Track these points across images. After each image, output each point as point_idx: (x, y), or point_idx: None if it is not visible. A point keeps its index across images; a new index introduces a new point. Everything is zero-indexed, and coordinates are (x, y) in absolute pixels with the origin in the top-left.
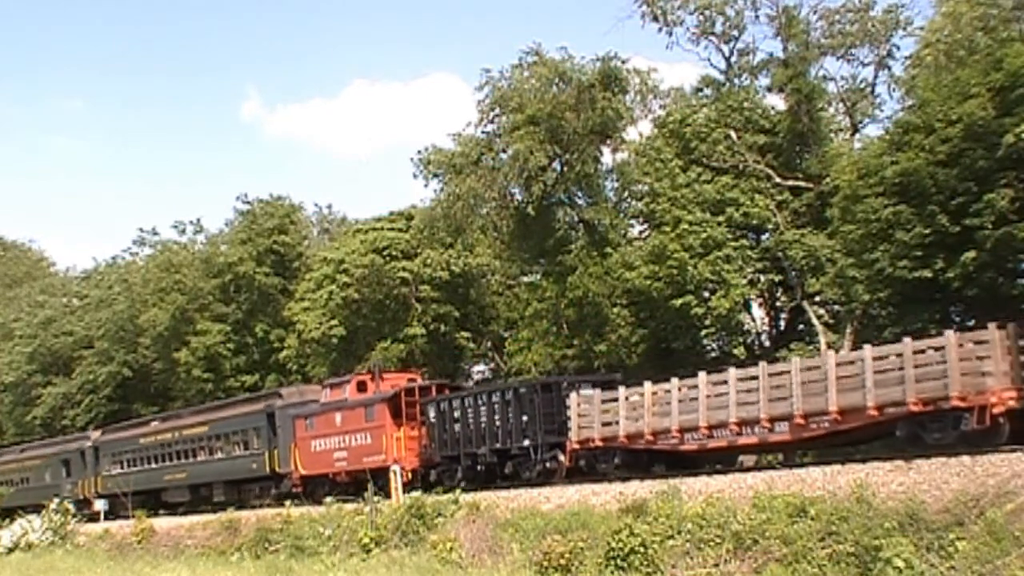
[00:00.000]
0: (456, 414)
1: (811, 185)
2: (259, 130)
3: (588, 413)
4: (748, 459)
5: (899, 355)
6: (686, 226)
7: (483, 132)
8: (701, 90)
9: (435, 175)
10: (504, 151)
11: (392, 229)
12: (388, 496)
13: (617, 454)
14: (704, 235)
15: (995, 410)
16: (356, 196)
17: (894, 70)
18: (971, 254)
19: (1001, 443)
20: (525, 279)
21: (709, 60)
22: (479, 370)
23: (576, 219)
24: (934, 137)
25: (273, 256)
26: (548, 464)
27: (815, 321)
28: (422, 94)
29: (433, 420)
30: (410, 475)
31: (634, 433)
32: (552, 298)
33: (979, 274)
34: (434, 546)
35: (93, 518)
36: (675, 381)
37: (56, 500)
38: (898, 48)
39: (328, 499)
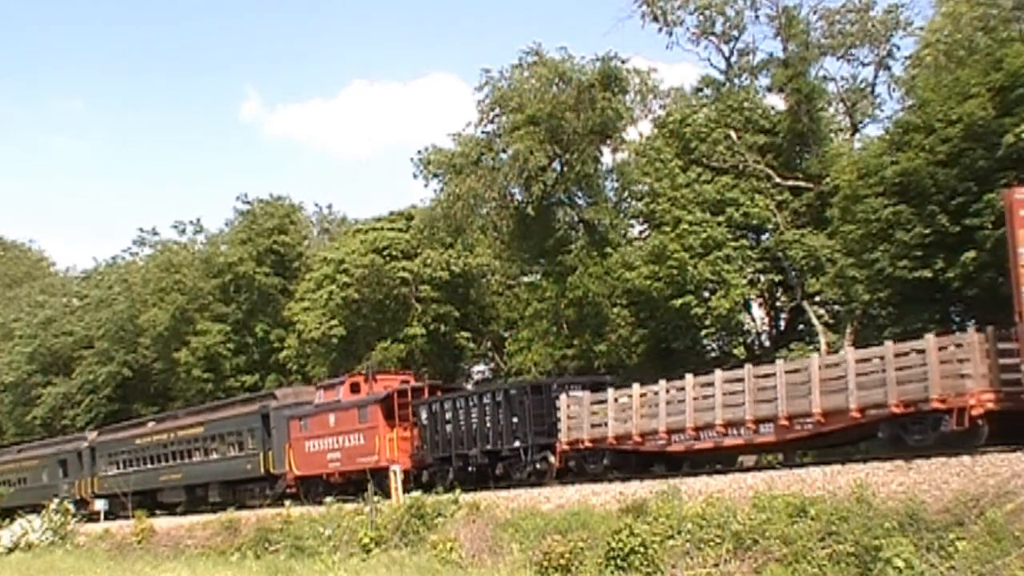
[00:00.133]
0: (448, 416)
1: (811, 185)
2: (259, 130)
3: (577, 415)
4: (748, 459)
5: (881, 358)
6: (686, 226)
7: (483, 132)
8: (701, 90)
9: (435, 175)
10: (504, 151)
11: (392, 229)
12: (388, 496)
13: (606, 455)
14: (704, 235)
15: (974, 412)
16: (356, 196)
17: (894, 70)
18: (971, 254)
19: (980, 444)
20: (525, 279)
21: (709, 60)
22: (479, 370)
23: (576, 219)
24: (934, 137)
25: (273, 256)
26: (538, 465)
27: (815, 321)
28: (422, 94)
29: (425, 421)
30: (402, 476)
31: (622, 434)
32: (552, 298)
33: (979, 274)
34: (434, 546)
35: (92, 518)
36: (663, 383)
37: (56, 500)
38: (898, 48)
39: (328, 499)
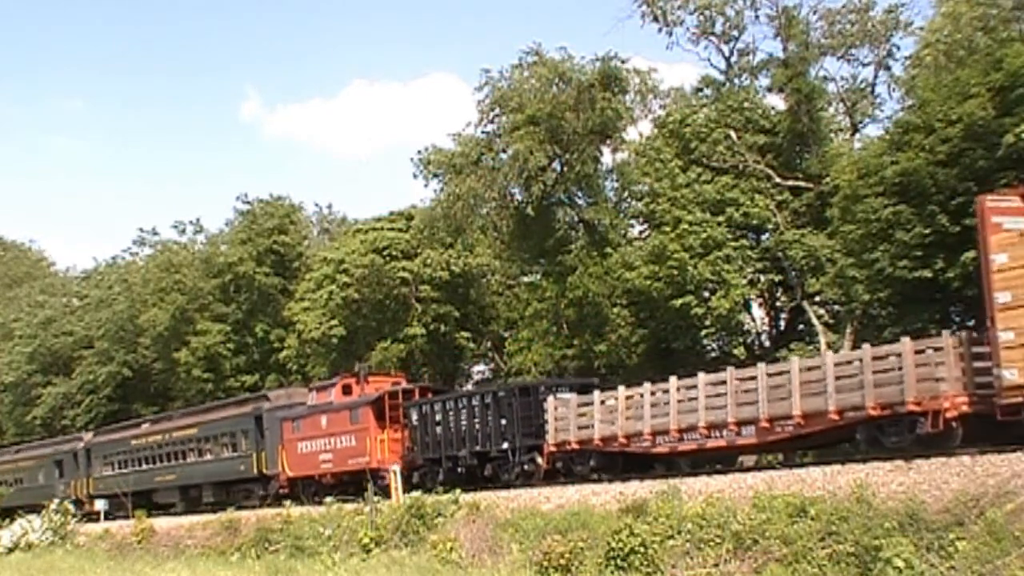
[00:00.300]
0: (438, 417)
1: (811, 185)
2: (259, 130)
3: (565, 416)
4: (748, 459)
5: (859, 361)
6: (686, 226)
7: (483, 132)
8: (701, 90)
9: (435, 175)
10: (504, 151)
11: (392, 229)
12: (388, 496)
13: (592, 457)
14: (704, 235)
15: (948, 414)
16: (356, 196)
17: (894, 70)
18: (971, 254)
19: (954, 446)
20: (525, 279)
21: (709, 60)
22: (479, 370)
23: (576, 219)
24: (934, 137)
25: (273, 256)
26: (526, 466)
27: (815, 321)
28: (421, 94)
29: (416, 423)
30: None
31: (608, 436)
32: (552, 298)
33: (979, 274)
34: (434, 546)
35: (92, 518)
36: (647, 386)
37: (57, 501)
38: (898, 48)
39: (328, 499)
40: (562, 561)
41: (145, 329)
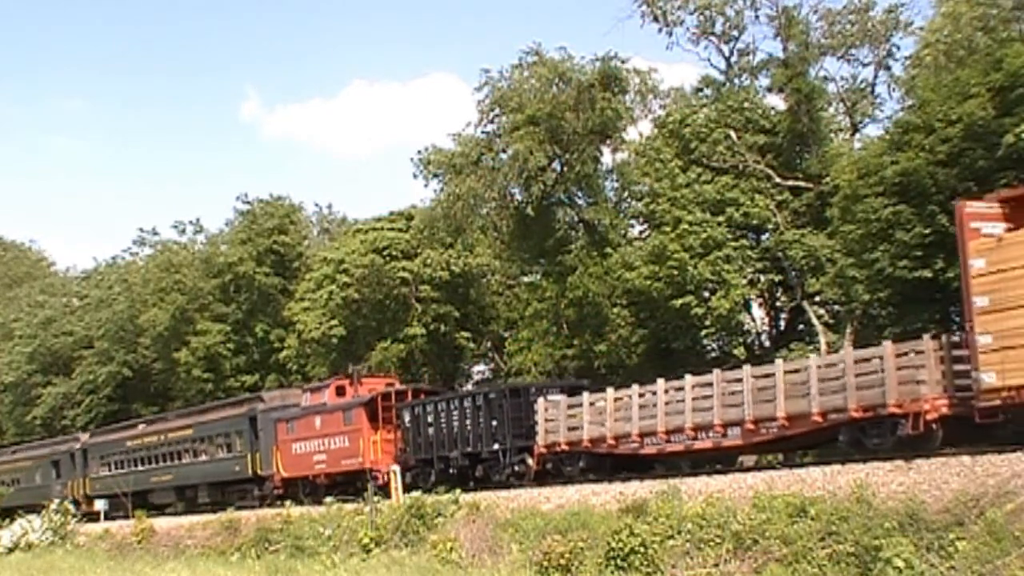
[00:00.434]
0: (430, 418)
1: (811, 185)
2: (259, 130)
3: (554, 418)
4: (748, 459)
5: (841, 364)
6: (686, 226)
7: (483, 132)
8: (701, 90)
9: (435, 175)
10: (504, 151)
11: (392, 229)
12: (388, 496)
13: (582, 458)
14: (704, 235)
15: (928, 416)
16: (356, 196)
17: (894, 70)
18: None
19: (935, 448)
20: (525, 279)
21: (709, 60)
22: (479, 370)
23: (576, 219)
24: (934, 137)
25: (273, 256)
26: (516, 467)
27: (815, 321)
28: (421, 94)
29: (408, 424)
30: (385, 477)
31: (597, 437)
32: (552, 298)
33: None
34: (434, 546)
35: (92, 518)
36: (635, 387)
37: (57, 501)
38: (898, 48)
39: (328, 499)
40: (562, 561)
41: (145, 329)
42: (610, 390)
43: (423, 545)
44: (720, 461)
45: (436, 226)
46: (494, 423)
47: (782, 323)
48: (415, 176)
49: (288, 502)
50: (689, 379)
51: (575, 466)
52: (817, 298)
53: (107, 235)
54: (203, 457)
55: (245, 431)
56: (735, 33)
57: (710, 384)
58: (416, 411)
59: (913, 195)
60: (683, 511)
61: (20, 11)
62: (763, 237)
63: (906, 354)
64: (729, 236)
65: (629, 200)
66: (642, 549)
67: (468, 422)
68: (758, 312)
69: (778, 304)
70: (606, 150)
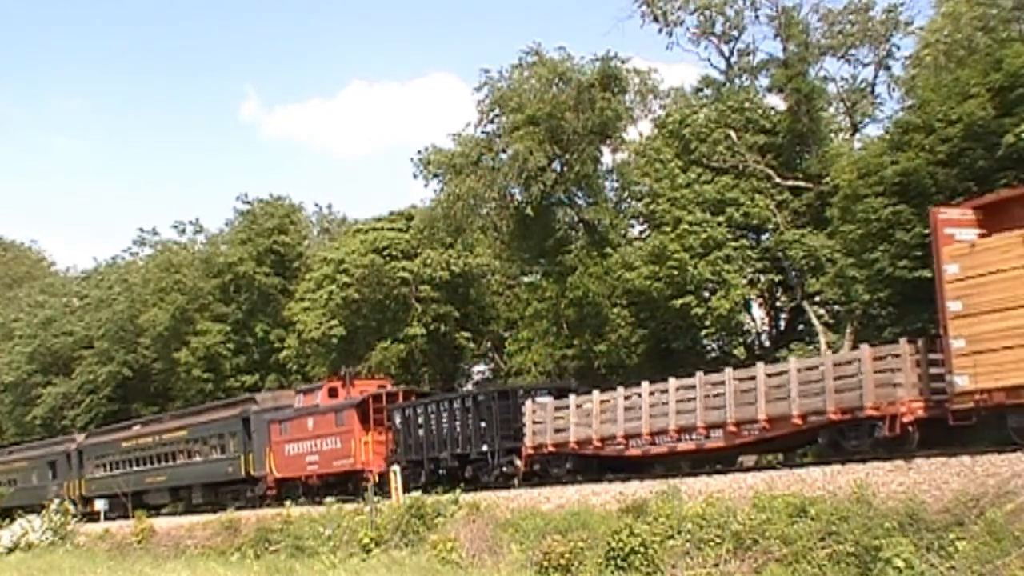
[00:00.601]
0: (420, 420)
1: (811, 185)
2: (258, 130)
3: (542, 420)
4: (748, 459)
5: (820, 367)
6: (686, 226)
7: (483, 132)
8: (701, 90)
9: (435, 175)
10: (504, 151)
11: (392, 229)
12: (388, 496)
13: (569, 459)
14: (704, 235)
15: (905, 419)
16: (356, 196)
17: (894, 70)
18: None
19: (911, 449)
20: (525, 279)
21: (709, 60)
22: (479, 370)
23: (576, 219)
24: (934, 137)
25: (273, 256)
26: (505, 468)
27: (815, 321)
28: (421, 94)
29: (399, 425)
30: (377, 478)
31: (583, 439)
32: (552, 298)
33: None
34: (434, 546)
35: (92, 518)
36: (620, 390)
37: (57, 501)
38: (898, 48)
39: (328, 499)
40: (562, 561)
41: (145, 329)
42: (596, 392)
43: (423, 545)
44: (719, 461)
45: (436, 226)
46: (483, 425)
47: (782, 323)
48: (415, 176)
49: (288, 502)
50: (673, 382)
51: (562, 467)
52: (817, 298)
53: (107, 235)
54: (197, 458)
55: (239, 432)
56: (735, 33)
57: (693, 387)
58: (407, 413)
59: (913, 195)
60: (683, 511)
61: (20, 11)
62: (763, 237)
63: (883, 358)
64: (729, 236)
65: (629, 200)
66: (642, 549)
67: (457, 424)
68: (758, 312)
69: (778, 304)
70: (606, 150)
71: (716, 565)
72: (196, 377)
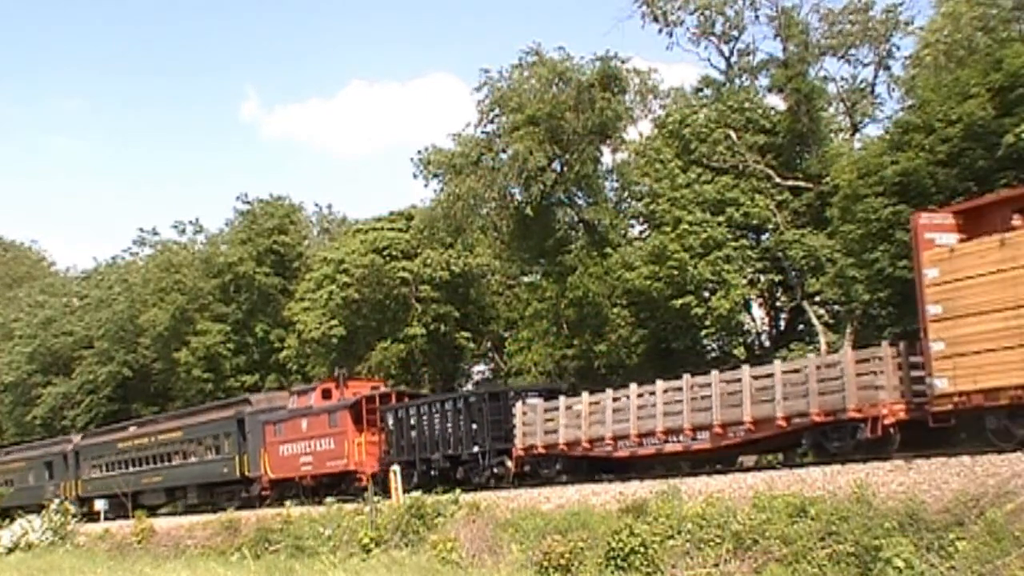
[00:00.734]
0: (412, 421)
1: (811, 185)
2: (258, 130)
3: (532, 421)
4: (748, 459)
5: (804, 370)
6: (686, 226)
7: (483, 132)
8: (701, 90)
9: (435, 175)
10: (504, 151)
11: (392, 229)
12: (388, 496)
13: (558, 460)
14: (704, 235)
15: (886, 421)
16: (356, 196)
17: (894, 70)
18: None
19: (893, 451)
20: (525, 279)
21: (709, 60)
22: (479, 370)
23: (576, 219)
24: (934, 137)
25: (273, 256)
26: (496, 469)
27: (815, 321)
28: (421, 94)
29: (392, 427)
30: (370, 479)
31: (572, 441)
32: (552, 298)
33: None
34: (434, 546)
35: (92, 518)
36: (609, 392)
37: (57, 501)
38: (898, 48)
39: (328, 499)
40: (562, 561)
41: (145, 329)
42: (585, 394)
43: (423, 545)
44: (718, 461)
45: (436, 226)
46: (474, 426)
47: (782, 323)
48: (415, 176)
49: (288, 502)
50: (660, 384)
51: (552, 468)
52: (817, 298)
53: (107, 235)
54: (192, 459)
55: (233, 433)
56: (735, 33)
57: (680, 389)
58: (399, 414)
59: (913, 195)
60: (683, 511)
61: (20, 11)
62: (763, 237)
63: (866, 360)
64: (729, 236)
65: (629, 200)
66: (642, 549)
67: (449, 425)
68: (758, 312)
69: (778, 304)
70: (606, 150)
71: (716, 565)
72: (196, 377)
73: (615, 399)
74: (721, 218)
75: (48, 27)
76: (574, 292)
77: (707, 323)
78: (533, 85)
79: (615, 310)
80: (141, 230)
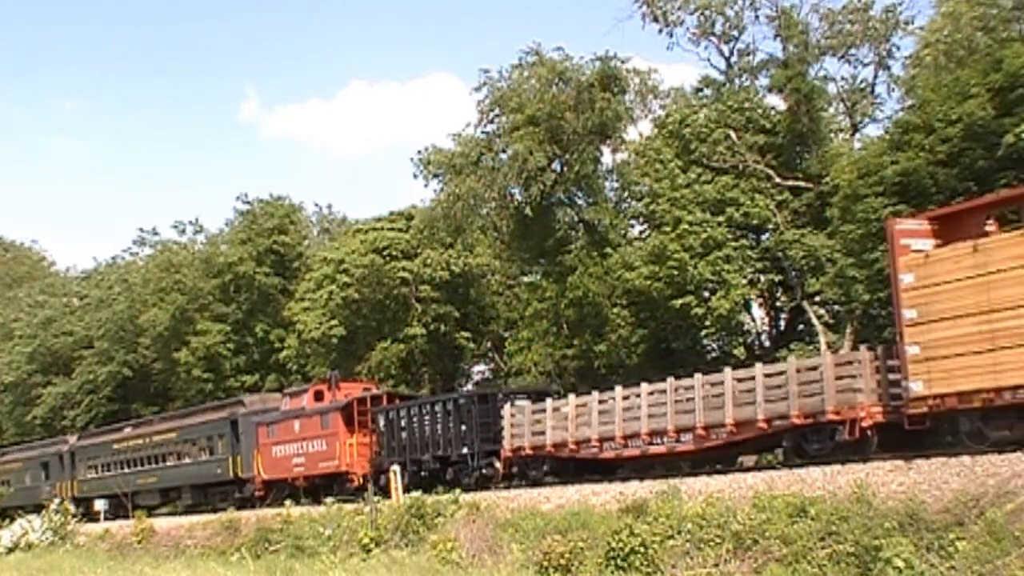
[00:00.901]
0: (403, 423)
1: (811, 185)
2: (258, 130)
3: (520, 423)
4: (748, 459)
5: (784, 373)
6: (686, 226)
7: (483, 132)
8: (701, 90)
9: (435, 175)
10: (504, 151)
11: (392, 229)
12: (388, 496)
13: (545, 462)
14: (704, 235)
15: (864, 423)
16: (356, 196)
17: (894, 70)
18: None
19: (871, 452)
20: (525, 279)
21: (709, 60)
22: (479, 370)
23: (576, 219)
24: (934, 137)
25: (273, 256)
26: (484, 470)
27: (815, 321)
28: (420, 94)
29: (383, 428)
30: (361, 480)
31: (559, 442)
32: (552, 298)
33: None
34: (434, 546)
35: (92, 518)
36: (595, 394)
37: (57, 501)
38: (898, 48)
39: (328, 499)
40: (562, 561)
41: (145, 329)
42: (571, 396)
43: (423, 545)
44: (719, 461)
45: (436, 226)
46: (463, 428)
47: (782, 323)
48: (415, 176)
49: (288, 502)
50: (644, 387)
51: (539, 470)
52: (817, 298)
53: (107, 235)
54: (187, 460)
55: (227, 434)
56: (735, 33)
57: (664, 391)
58: (390, 415)
59: (913, 195)
60: (683, 511)
61: (20, 11)
62: (763, 237)
63: (844, 364)
64: (729, 236)
65: (629, 200)
66: (642, 549)
67: (439, 426)
68: (758, 312)
69: (778, 304)
70: (606, 150)
71: (716, 565)
72: (196, 377)
73: (601, 401)
74: (721, 218)
75: (48, 27)
76: (574, 292)
77: (707, 323)
78: (533, 85)
79: (615, 310)
80: (141, 230)
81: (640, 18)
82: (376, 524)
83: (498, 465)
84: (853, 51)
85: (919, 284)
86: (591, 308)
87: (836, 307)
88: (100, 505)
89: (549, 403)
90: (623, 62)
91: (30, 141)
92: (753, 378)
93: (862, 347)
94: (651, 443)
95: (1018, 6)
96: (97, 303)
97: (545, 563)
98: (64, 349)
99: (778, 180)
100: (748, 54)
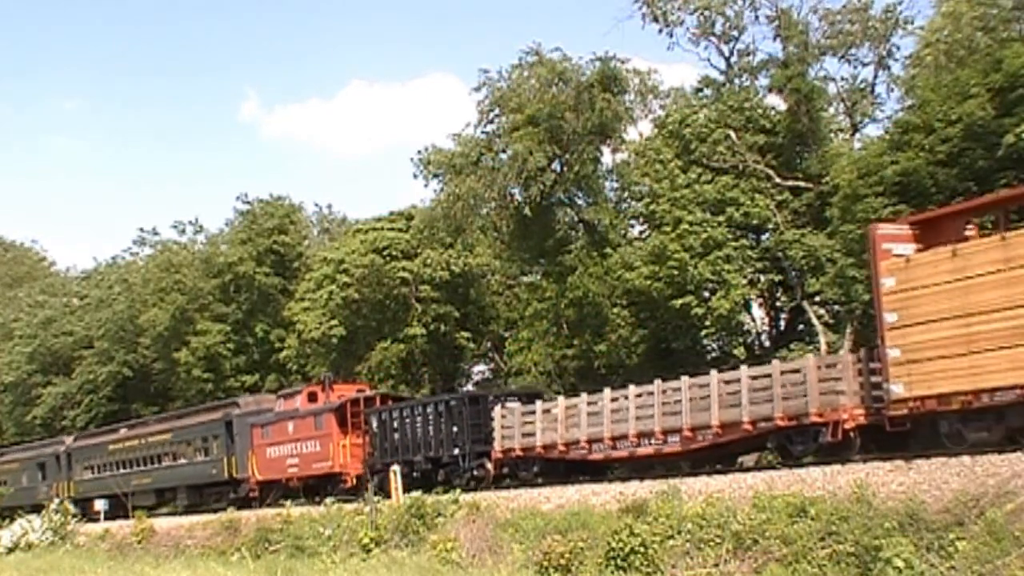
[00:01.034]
0: (395, 424)
1: (811, 185)
2: (258, 130)
3: (510, 425)
4: (748, 459)
5: (769, 376)
6: (686, 226)
7: (483, 132)
8: (701, 90)
9: (435, 175)
10: (504, 151)
11: (392, 229)
12: (388, 496)
13: (536, 463)
14: (704, 235)
15: (847, 425)
16: (356, 196)
17: (894, 70)
18: None
19: (853, 454)
20: (525, 279)
21: (709, 60)
22: (479, 370)
23: (576, 219)
24: (934, 137)
25: (273, 256)
26: (475, 472)
27: (815, 321)
28: (420, 94)
29: (376, 429)
30: (354, 480)
31: (549, 444)
32: (552, 298)
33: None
34: (434, 546)
35: (92, 518)
36: (584, 396)
37: (56, 501)
38: (898, 48)
39: (328, 499)
40: (562, 561)
41: (145, 329)
42: (561, 398)
43: (423, 545)
44: (718, 461)
45: (436, 226)
46: (455, 429)
47: (782, 323)
48: (415, 176)
49: (288, 501)
50: (632, 388)
51: (529, 471)
52: (817, 298)
53: (107, 235)
54: (181, 460)
55: (221, 435)
56: (735, 33)
57: (652, 393)
58: (383, 417)
59: (913, 195)
60: (683, 511)
61: (20, 11)
62: (763, 237)
63: (827, 367)
64: (729, 236)
65: (629, 200)
66: (642, 549)
67: (431, 428)
68: (758, 312)
69: (778, 304)
70: (606, 150)
71: (716, 565)
72: (196, 377)
73: (590, 403)
74: (721, 218)
75: (48, 27)
76: (574, 292)
77: (707, 323)
78: (533, 85)
79: (615, 310)
80: (141, 230)
81: (640, 18)
82: (376, 524)
83: (489, 466)
84: (853, 51)
85: (900, 288)
86: (591, 308)
87: (836, 307)
88: (100, 505)
89: (539, 405)
90: (623, 62)
91: (30, 141)
92: (739, 380)
93: (844, 350)
94: (639, 444)
95: (1018, 6)
96: (97, 303)
97: (545, 563)
98: (64, 349)
99: (778, 180)
100: (748, 54)
